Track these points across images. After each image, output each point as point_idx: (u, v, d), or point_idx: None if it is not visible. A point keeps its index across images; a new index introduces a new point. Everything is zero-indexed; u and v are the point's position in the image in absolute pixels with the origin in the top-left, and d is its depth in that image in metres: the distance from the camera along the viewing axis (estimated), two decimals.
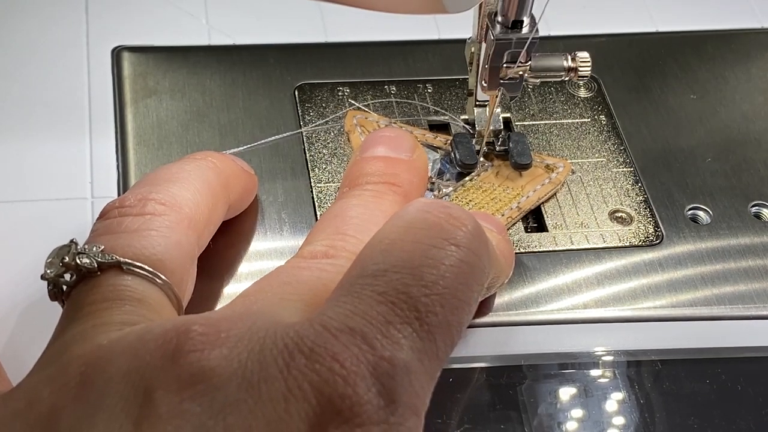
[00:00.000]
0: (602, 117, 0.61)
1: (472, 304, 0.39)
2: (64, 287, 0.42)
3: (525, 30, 0.51)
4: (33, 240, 0.51)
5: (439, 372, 0.37)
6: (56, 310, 0.42)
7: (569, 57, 0.54)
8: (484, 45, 0.53)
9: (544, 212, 0.56)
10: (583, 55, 0.54)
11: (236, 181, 0.50)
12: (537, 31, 0.51)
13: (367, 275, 0.37)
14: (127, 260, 0.41)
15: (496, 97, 0.54)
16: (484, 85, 0.54)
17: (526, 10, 0.51)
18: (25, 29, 0.63)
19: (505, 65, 0.52)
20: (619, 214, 0.56)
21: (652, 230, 0.55)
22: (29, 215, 0.53)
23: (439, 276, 0.37)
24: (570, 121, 0.60)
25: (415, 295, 0.36)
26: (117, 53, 0.62)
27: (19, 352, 0.46)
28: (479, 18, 0.53)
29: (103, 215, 0.44)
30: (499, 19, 0.51)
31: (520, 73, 0.53)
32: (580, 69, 0.54)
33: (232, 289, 0.50)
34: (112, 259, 0.41)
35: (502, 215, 0.54)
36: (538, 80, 0.55)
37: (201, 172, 0.47)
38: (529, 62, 0.53)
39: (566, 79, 0.55)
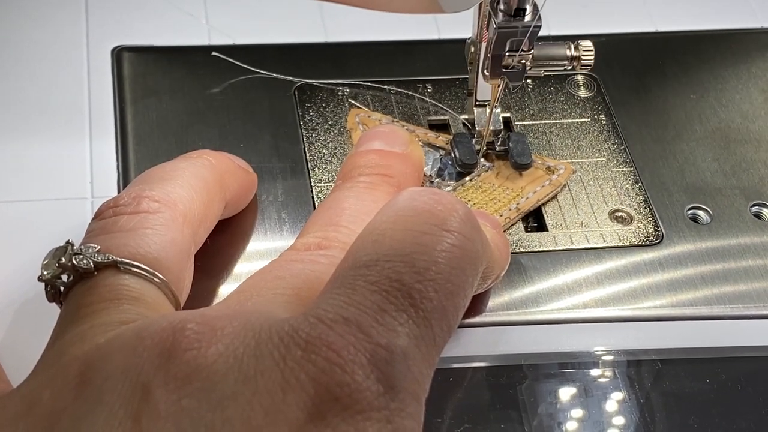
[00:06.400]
0: (602, 117, 0.61)
1: (467, 289, 0.39)
2: (62, 288, 0.42)
3: (527, 18, 0.51)
4: (33, 240, 0.51)
5: (437, 358, 0.37)
6: (56, 309, 0.42)
7: (572, 46, 0.54)
8: (484, 42, 0.53)
9: (544, 212, 0.56)
10: (587, 44, 0.54)
11: (232, 178, 0.50)
12: (539, 18, 0.51)
13: (360, 266, 0.37)
14: (123, 260, 0.41)
15: (499, 86, 0.54)
16: (486, 74, 0.53)
17: None
18: (25, 29, 0.63)
19: (507, 54, 0.52)
20: (619, 214, 0.56)
21: (652, 230, 0.55)
22: (29, 215, 0.53)
23: (432, 262, 0.37)
24: (570, 120, 0.60)
25: (408, 282, 0.36)
26: (117, 53, 0.62)
27: (19, 351, 0.46)
28: (479, 18, 0.53)
29: (98, 215, 0.44)
30: (502, 6, 0.51)
31: (522, 61, 0.53)
32: (583, 58, 0.54)
33: (231, 288, 0.50)
34: (108, 259, 0.41)
35: (501, 216, 0.54)
36: (542, 70, 0.54)
37: (195, 170, 0.47)
38: (532, 51, 0.53)
39: (569, 68, 0.54)
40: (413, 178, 0.51)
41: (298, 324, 0.35)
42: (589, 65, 0.54)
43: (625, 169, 0.58)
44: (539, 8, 0.51)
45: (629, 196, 0.57)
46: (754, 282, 0.54)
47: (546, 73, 0.55)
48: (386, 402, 0.34)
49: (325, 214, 0.47)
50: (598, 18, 0.68)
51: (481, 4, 0.52)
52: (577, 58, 0.54)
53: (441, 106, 0.60)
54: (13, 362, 0.45)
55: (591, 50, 0.54)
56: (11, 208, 0.53)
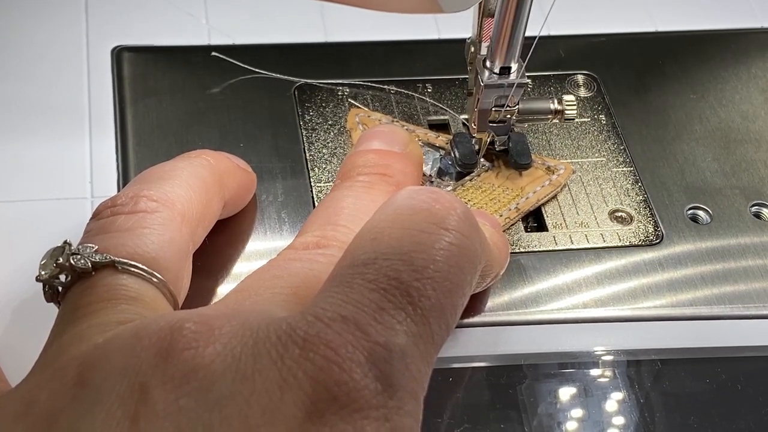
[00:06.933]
0: (602, 116, 0.61)
1: (465, 287, 0.39)
2: (60, 288, 0.42)
3: (513, 75, 0.53)
4: (32, 240, 0.51)
5: (436, 356, 0.37)
6: (55, 309, 0.42)
7: (555, 100, 0.55)
8: (485, 43, 0.53)
9: (544, 212, 0.56)
10: (569, 98, 0.55)
11: (231, 178, 0.50)
12: (524, 76, 0.53)
13: (358, 264, 0.37)
14: (121, 259, 0.41)
15: (488, 138, 0.55)
16: (474, 127, 0.55)
17: (514, 56, 0.52)
18: (25, 29, 0.63)
19: (493, 109, 0.54)
20: (619, 214, 0.56)
21: (652, 230, 0.55)
22: (29, 215, 0.53)
23: (430, 260, 0.37)
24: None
25: (406, 281, 0.36)
26: (117, 53, 0.62)
27: (18, 351, 0.46)
28: (479, 17, 0.53)
29: (96, 215, 0.44)
30: (488, 65, 0.53)
31: (508, 116, 0.54)
32: (566, 111, 0.55)
33: (230, 288, 0.50)
34: (106, 258, 0.41)
35: (501, 216, 0.54)
36: (525, 124, 0.57)
37: (194, 169, 0.47)
38: (517, 105, 0.54)
39: (554, 121, 0.56)
40: (412, 177, 0.51)
41: (296, 322, 0.35)
42: (573, 118, 0.56)
43: (625, 169, 0.58)
44: (543, 21, 0.52)
45: (629, 196, 0.57)
46: (754, 282, 0.54)
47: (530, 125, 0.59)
48: (384, 400, 0.34)
49: (323, 213, 0.47)
50: (598, 18, 0.68)
51: (481, 3, 0.52)
52: (561, 112, 0.55)
53: (441, 106, 0.60)
54: (12, 362, 0.45)
55: (573, 103, 0.55)
56: (11, 208, 0.54)
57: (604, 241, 0.55)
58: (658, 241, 0.55)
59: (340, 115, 0.59)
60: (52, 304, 0.43)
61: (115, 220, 0.43)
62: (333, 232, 0.45)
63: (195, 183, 0.47)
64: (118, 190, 0.54)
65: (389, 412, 0.34)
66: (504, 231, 0.54)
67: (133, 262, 0.41)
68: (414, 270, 0.37)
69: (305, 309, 0.36)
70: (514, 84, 0.53)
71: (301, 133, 0.58)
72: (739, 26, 0.68)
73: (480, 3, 0.52)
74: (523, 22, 0.50)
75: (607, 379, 0.49)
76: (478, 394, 0.49)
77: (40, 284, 0.43)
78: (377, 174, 0.49)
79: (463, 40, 0.56)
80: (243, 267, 0.51)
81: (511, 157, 0.56)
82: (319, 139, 0.58)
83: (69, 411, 0.35)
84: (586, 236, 0.55)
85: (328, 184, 0.56)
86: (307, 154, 0.57)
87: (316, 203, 0.55)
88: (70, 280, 0.42)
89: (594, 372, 0.50)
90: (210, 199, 0.47)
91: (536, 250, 0.54)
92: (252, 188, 0.53)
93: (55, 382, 0.36)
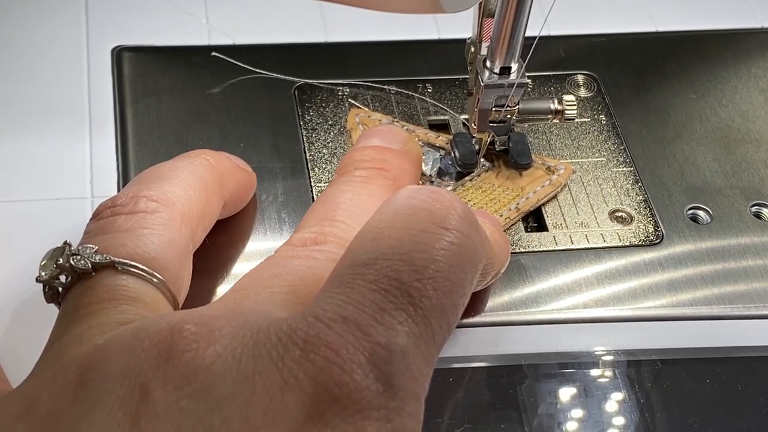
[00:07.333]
0: (602, 116, 0.61)
1: (466, 286, 0.39)
2: (60, 289, 0.42)
3: (513, 75, 0.53)
4: (32, 240, 0.51)
5: (437, 356, 0.37)
6: (56, 309, 0.42)
7: (556, 100, 0.56)
8: (485, 43, 0.53)
9: (544, 212, 0.56)
10: (569, 98, 0.55)
11: (231, 178, 0.50)
12: (524, 76, 0.53)
13: (358, 265, 0.37)
14: (121, 260, 0.41)
15: (488, 138, 0.56)
16: (474, 127, 0.55)
17: (514, 56, 0.52)
18: (25, 29, 0.63)
19: (493, 109, 0.54)
20: (619, 214, 0.56)
21: (652, 230, 0.55)
22: (29, 215, 0.53)
23: (430, 260, 0.37)
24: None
25: (406, 281, 0.36)
26: (117, 53, 0.62)
27: (19, 351, 0.46)
28: (479, 17, 0.53)
29: (96, 215, 0.44)
30: (488, 65, 0.53)
31: (508, 116, 0.54)
32: (566, 111, 0.55)
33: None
34: (106, 259, 0.41)
35: (501, 216, 0.54)
36: (526, 123, 0.57)
37: (193, 169, 0.47)
38: (518, 105, 0.54)
39: (555, 121, 0.56)
40: (410, 173, 0.51)
41: (297, 323, 0.35)
42: (573, 118, 0.55)
43: (625, 169, 0.58)
44: (544, 21, 0.52)
45: (629, 196, 0.57)
46: (754, 282, 0.54)
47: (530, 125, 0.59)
48: (385, 401, 0.34)
49: (320, 209, 0.47)
50: (598, 18, 0.68)
51: (481, 3, 0.52)
52: (561, 112, 0.55)
53: (441, 106, 0.60)
54: (13, 362, 0.45)
55: (573, 103, 0.55)
56: (11, 208, 0.53)
57: (605, 241, 0.55)
58: (658, 241, 0.55)
59: (341, 115, 0.59)
60: (52, 304, 0.43)
61: (115, 220, 0.43)
62: (330, 228, 0.45)
63: (195, 183, 0.47)
64: (118, 190, 0.54)
65: (390, 413, 0.34)
66: (504, 231, 0.54)
67: (133, 263, 0.41)
68: (414, 270, 0.37)
69: (306, 310, 0.36)
70: (514, 84, 0.53)
71: (301, 133, 0.58)
72: (739, 26, 0.68)
73: (480, 3, 0.52)
74: (523, 22, 0.50)
75: (607, 379, 0.49)
76: (478, 394, 0.49)
77: (40, 285, 0.43)
78: (374, 168, 0.49)
79: (463, 40, 0.56)
80: (243, 267, 0.51)
81: (512, 157, 0.56)
82: (319, 139, 0.58)
83: (70, 412, 0.35)
84: (586, 236, 0.55)
85: (328, 183, 0.56)
86: (307, 154, 0.57)
87: None
88: (70, 280, 0.42)
89: (594, 372, 0.50)
90: (210, 198, 0.47)
91: (536, 250, 0.54)
92: (252, 188, 0.53)
93: (55, 383, 0.36)
